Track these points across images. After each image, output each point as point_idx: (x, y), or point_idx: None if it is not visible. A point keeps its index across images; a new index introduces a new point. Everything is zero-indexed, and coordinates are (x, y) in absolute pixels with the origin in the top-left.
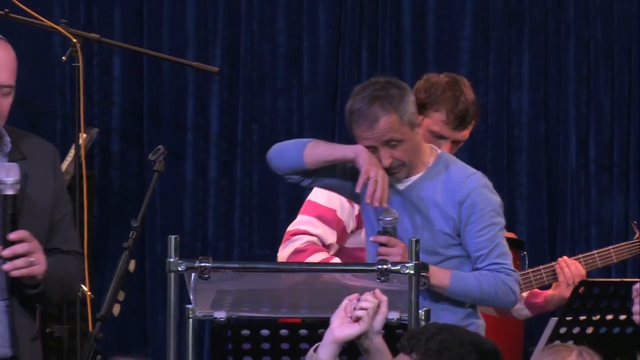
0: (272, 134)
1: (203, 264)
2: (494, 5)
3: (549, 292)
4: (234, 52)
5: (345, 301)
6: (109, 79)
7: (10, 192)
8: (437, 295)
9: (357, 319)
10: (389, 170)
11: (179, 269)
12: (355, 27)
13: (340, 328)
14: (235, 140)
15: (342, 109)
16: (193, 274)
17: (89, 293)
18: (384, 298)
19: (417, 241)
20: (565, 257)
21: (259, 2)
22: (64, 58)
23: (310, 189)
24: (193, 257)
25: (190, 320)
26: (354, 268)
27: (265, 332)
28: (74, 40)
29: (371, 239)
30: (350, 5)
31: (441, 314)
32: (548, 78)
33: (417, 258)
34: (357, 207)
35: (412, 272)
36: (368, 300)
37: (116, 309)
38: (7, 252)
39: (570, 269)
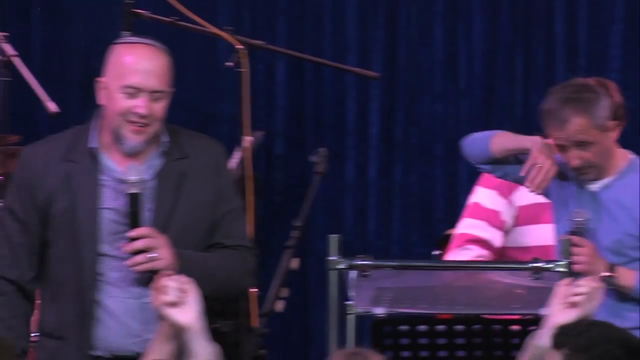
0: (430, 137)
1: (363, 262)
2: None
3: None
4: (393, 58)
5: (560, 287)
6: (273, 84)
7: (132, 190)
8: (624, 295)
9: (574, 305)
10: (578, 171)
11: (340, 266)
12: (509, 34)
13: (559, 314)
14: (395, 143)
15: (497, 113)
16: (353, 272)
17: (254, 290)
18: (600, 284)
19: (568, 240)
20: None
21: (417, 11)
22: (229, 64)
23: (472, 191)
24: (353, 255)
25: (351, 316)
26: (508, 266)
27: (422, 327)
28: (240, 46)
29: (560, 238)
30: (505, 13)
31: (627, 313)
32: None
33: (568, 257)
34: (515, 207)
35: (563, 270)
36: (584, 286)
37: (279, 305)
38: (126, 249)
39: None
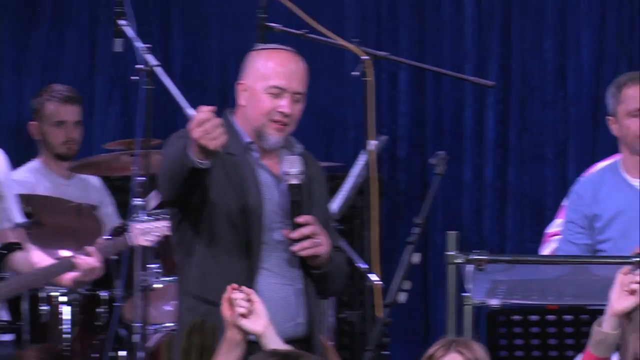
0: (541, 142)
1: (479, 257)
2: None
3: None
4: (507, 68)
5: (620, 275)
6: (396, 92)
7: (294, 181)
8: None
9: (633, 292)
10: None
11: (458, 261)
12: (614, 45)
13: (618, 301)
14: (508, 147)
15: (603, 118)
16: (470, 266)
17: (378, 282)
18: None
19: None
20: None
21: (530, 24)
22: (355, 73)
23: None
24: (470, 250)
25: (468, 307)
26: (612, 260)
27: (534, 317)
28: (365, 57)
29: None
30: (611, 26)
31: None
32: None
33: None
34: None
35: None
36: None
37: (402, 297)
38: (295, 234)
39: None
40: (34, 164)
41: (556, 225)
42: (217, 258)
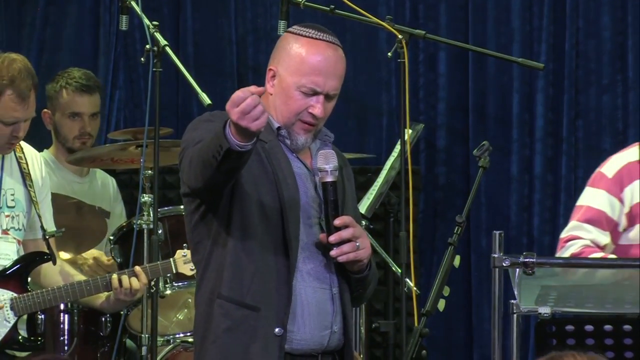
0: (597, 130)
1: (527, 260)
2: None
3: None
4: (559, 48)
5: None
6: (434, 75)
7: (329, 179)
8: None
9: None
10: None
11: (504, 264)
12: None
13: None
14: (561, 136)
15: None
16: (517, 270)
17: (415, 288)
18: None
19: None
20: None
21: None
22: (389, 54)
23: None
24: (519, 252)
25: (515, 315)
26: None
27: (589, 327)
28: (400, 36)
29: None
30: None
31: None
32: None
33: None
34: (627, 204)
35: None
36: None
37: (441, 305)
38: (333, 238)
39: None
40: (43, 156)
41: (572, 229)
42: (251, 256)
